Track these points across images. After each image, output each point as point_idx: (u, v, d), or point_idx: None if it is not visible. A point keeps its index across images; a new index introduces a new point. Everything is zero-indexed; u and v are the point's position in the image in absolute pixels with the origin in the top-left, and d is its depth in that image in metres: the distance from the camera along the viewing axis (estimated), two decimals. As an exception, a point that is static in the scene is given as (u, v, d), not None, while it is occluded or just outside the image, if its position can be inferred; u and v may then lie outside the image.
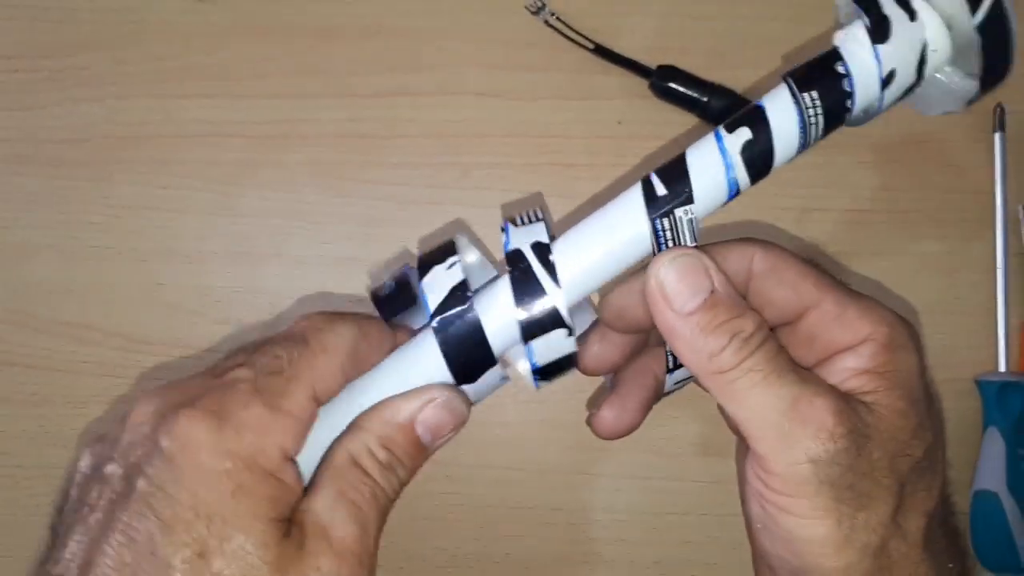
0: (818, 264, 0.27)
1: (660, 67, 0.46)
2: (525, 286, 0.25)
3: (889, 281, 0.46)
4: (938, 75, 0.26)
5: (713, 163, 0.25)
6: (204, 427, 0.22)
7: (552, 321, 0.25)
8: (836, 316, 0.26)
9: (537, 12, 0.46)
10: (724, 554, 0.46)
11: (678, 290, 0.25)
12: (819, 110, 0.25)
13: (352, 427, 0.25)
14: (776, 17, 0.47)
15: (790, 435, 0.24)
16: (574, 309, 0.26)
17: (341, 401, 0.26)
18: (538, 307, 0.25)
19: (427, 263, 0.26)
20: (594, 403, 0.33)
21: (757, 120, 0.25)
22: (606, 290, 0.28)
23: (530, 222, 0.26)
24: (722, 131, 0.25)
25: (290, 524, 0.23)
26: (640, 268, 0.26)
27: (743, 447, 0.26)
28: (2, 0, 0.47)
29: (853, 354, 0.25)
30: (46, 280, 0.47)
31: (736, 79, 0.46)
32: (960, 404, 0.46)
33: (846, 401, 0.24)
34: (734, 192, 0.26)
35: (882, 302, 0.26)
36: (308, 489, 0.24)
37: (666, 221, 0.25)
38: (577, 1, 0.47)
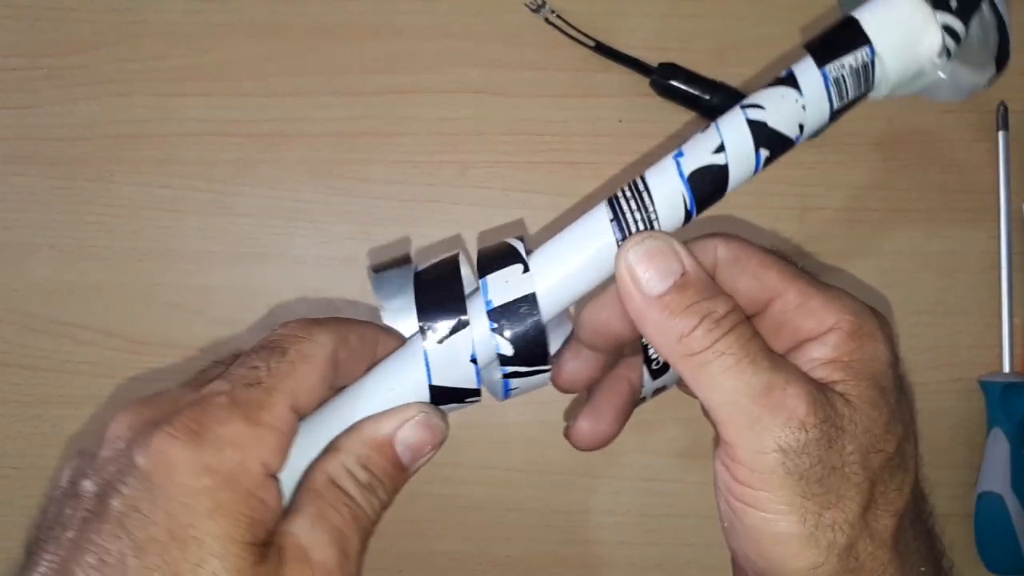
0: (783, 254, 0.27)
1: (661, 65, 0.45)
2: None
3: (891, 281, 0.46)
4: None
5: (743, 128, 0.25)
6: (181, 444, 0.21)
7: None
8: (800, 305, 0.25)
9: (537, 10, 0.46)
10: (725, 557, 0.45)
11: (647, 273, 0.24)
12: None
13: (330, 448, 0.25)
14: (776, 17, 0.47)
15: (760, 422, 0.23)
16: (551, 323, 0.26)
17: (323, 415, 0.25)
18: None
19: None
20: (571, 414, 0.33)
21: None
22: (581, 307, 0.28)
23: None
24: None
25: (268, 547, 0.22)
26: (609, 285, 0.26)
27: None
28: (2, 0, 0.47)
29: (819, 343, 0.25)
30: (46, 280, 0.47)
31: (736, 78, 0.46)
32: (964, 405, 0.46)
33: (821, 391, 0.24)
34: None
35: (852, 293, 0.26)
36: (287, 511, 0.23)
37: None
38: (577, -1, 0.47)
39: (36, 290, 0.47)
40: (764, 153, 0.25)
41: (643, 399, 0.30)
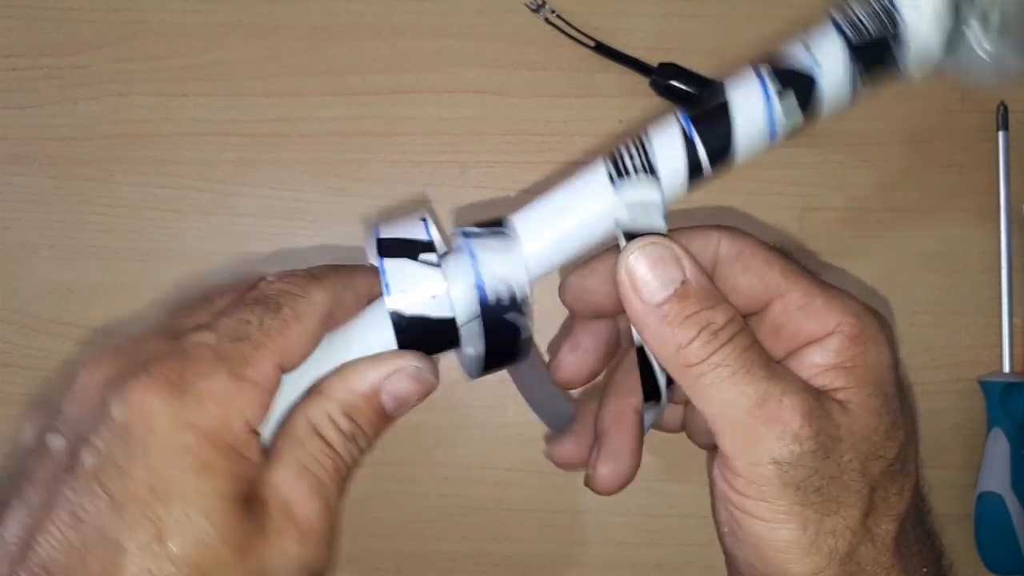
0: (787, 252, 0.27)
1: (661, 65, 0.45)
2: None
3: (891, 281, 0.46)
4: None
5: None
6: (162, 397, 0.21)
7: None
8: (802, 306, 0.25)
9: (537, 10, 0.46)
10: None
11: (647, 280, 0.24)
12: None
13: (314, 392, 0.24)
14: (776, 17, 0.47)
15: (755, 434, 0.23)
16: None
17: (306, 364, 0.24)
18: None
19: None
20: (549, 439, 0.33)
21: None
22: (566, 272, 0.27)
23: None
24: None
25: (251, 500, 0.21)
26: (600, 251, 0.26)
27: (713, 455, 0.25)
28: (2, 0, 0.47)
29: (820, 348, 0.25)
30: (46, 280, 0.47)
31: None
32: (964, 405, 0.46)
33: (817, 401, 0.23)
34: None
35: (854, 294, 0.26)
36: (268, 455, 0.23)
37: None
38: (577, -1, 0.47)
39: (36, 290, 0.47)
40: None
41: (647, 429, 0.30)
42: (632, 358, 0.27)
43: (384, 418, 0.24)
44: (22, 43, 0.47)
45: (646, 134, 0.25)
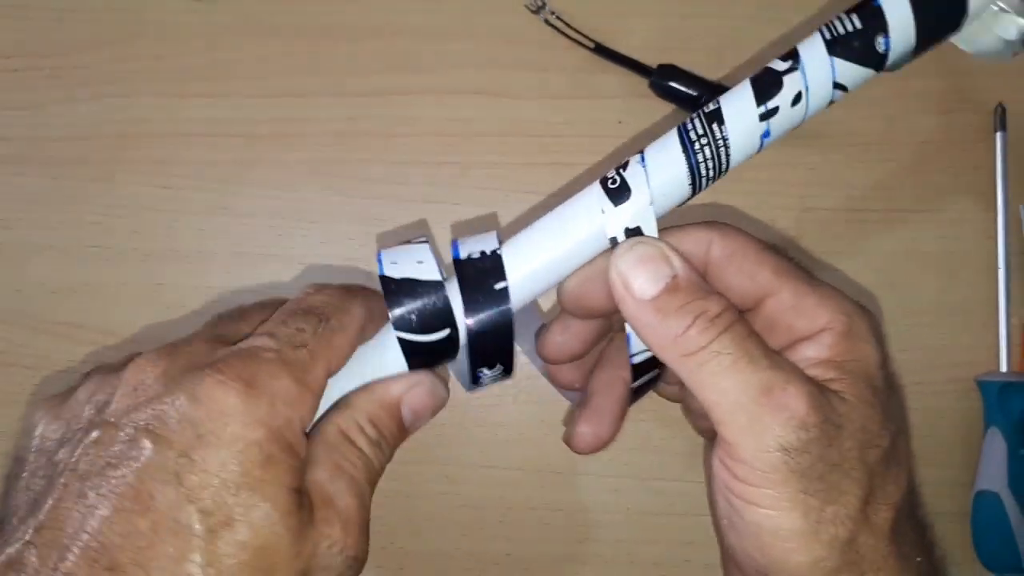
0: (779, 249, 0.27)
1: (661, 66, 0.46)
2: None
3: (889, 280, 0.46)
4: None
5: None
6: (235, 393, 0.22)
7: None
8: (794, 305, 0.26)
9: (537, 11, 0.46)
10: (724, 555, 0.46)
11: (639, 279, 0.24)
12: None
13: (342, 403, 0.26)
14: (776, 17, 0.47)
15: (760, 421, 0.23)
16: (521, 313, 0.26)
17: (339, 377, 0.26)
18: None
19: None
20: (568, 420, 0.33)
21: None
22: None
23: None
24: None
25: (301, 492, 0.23)
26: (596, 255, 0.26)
27: (710, 444, 0.25)
28: (2, 0, 0.47)
29: (812, 343, 0.25)
30: (46, 280, 0.47)
31: (736, 78, 0.46)
32: (961, 404, 0.46)
33: (819, 390, 0.24)
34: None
35: (844, 291, 0.26)
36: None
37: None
38: (577, 0, 0.46)
39: (36, 290, 0.47)
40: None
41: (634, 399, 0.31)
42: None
43: (402, 430, 0.26)
44: (22, 43, 0.47)
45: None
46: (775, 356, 0.24)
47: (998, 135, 0.46)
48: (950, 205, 0.46)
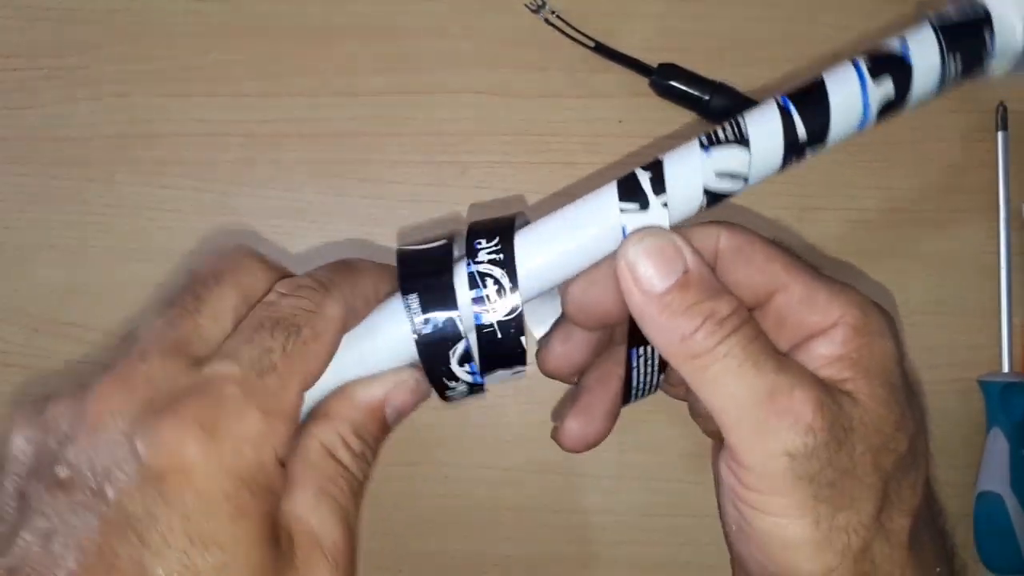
0: (786, 246, 0.26)
1: (661, 65, 0.46)
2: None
3: (890, 281, 0.46)
4: None
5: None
6: (195, 442, 0.20)
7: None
8: (805, 299, 0.24)
9: (537, 10, 0.46)
10: (725, 556, 0.45)
11: (648, 271, 0.23)
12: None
13: (320, 415, 0.23)
14: (776, 17, 0.47)
15: (766, 426, 0.22)
16: (539, 302, 0.25)
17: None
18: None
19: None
20: (558, 415, 0.32)
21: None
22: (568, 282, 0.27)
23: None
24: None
25: (278, 534, 0.21)
26: (603, 259, 0.25)
27: (718, 447, 0.25)
28: (2, 0, 0.47)
29: (825, 339, 0.24)
30: (46, 280, 0.47)
31: (736, 78, 0.46)
32: (963, 405, 0.46)
33: (828, 392, 0.23)
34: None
35: (858, 288, 0.25)
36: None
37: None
38: (577, -1, 0.47)
39: (36, 290, 0.47)
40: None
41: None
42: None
43: (386, 430, 0.25)
44: (22, 43, 0.47)
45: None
46: (782, 359, 0.24)
47: (999, 134, 0.46)
48: (951, 205, 0.46)
